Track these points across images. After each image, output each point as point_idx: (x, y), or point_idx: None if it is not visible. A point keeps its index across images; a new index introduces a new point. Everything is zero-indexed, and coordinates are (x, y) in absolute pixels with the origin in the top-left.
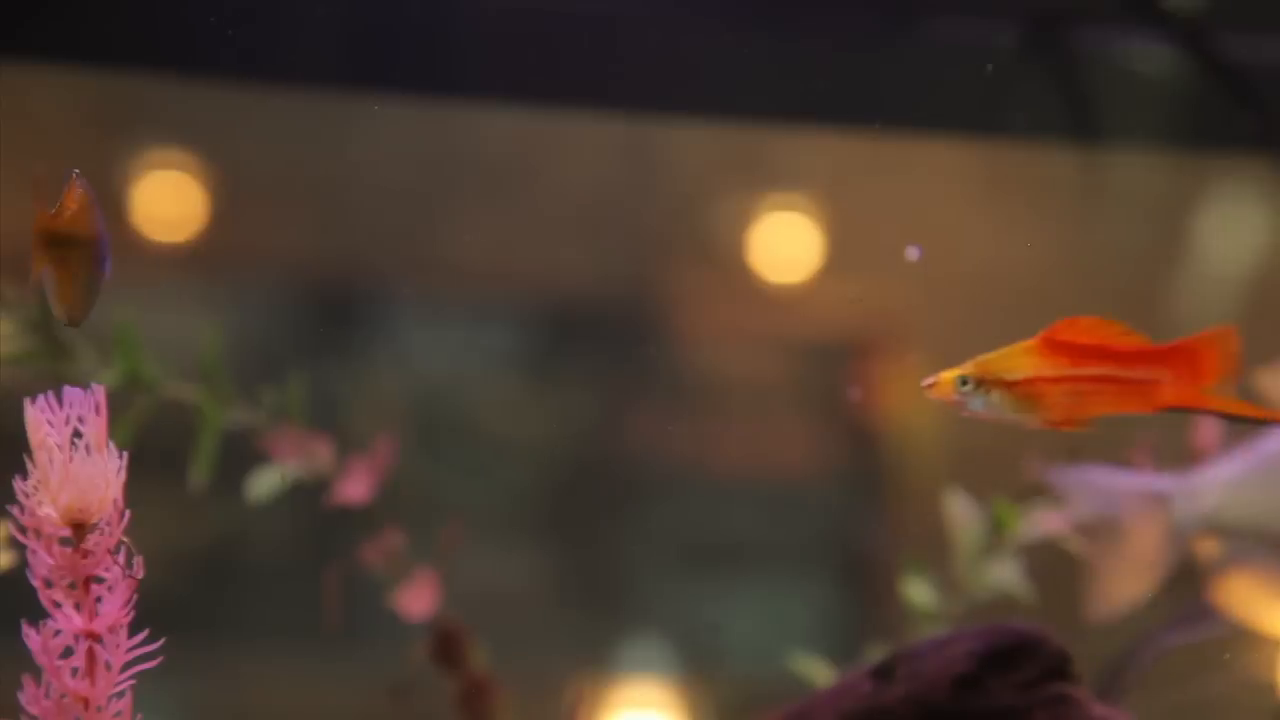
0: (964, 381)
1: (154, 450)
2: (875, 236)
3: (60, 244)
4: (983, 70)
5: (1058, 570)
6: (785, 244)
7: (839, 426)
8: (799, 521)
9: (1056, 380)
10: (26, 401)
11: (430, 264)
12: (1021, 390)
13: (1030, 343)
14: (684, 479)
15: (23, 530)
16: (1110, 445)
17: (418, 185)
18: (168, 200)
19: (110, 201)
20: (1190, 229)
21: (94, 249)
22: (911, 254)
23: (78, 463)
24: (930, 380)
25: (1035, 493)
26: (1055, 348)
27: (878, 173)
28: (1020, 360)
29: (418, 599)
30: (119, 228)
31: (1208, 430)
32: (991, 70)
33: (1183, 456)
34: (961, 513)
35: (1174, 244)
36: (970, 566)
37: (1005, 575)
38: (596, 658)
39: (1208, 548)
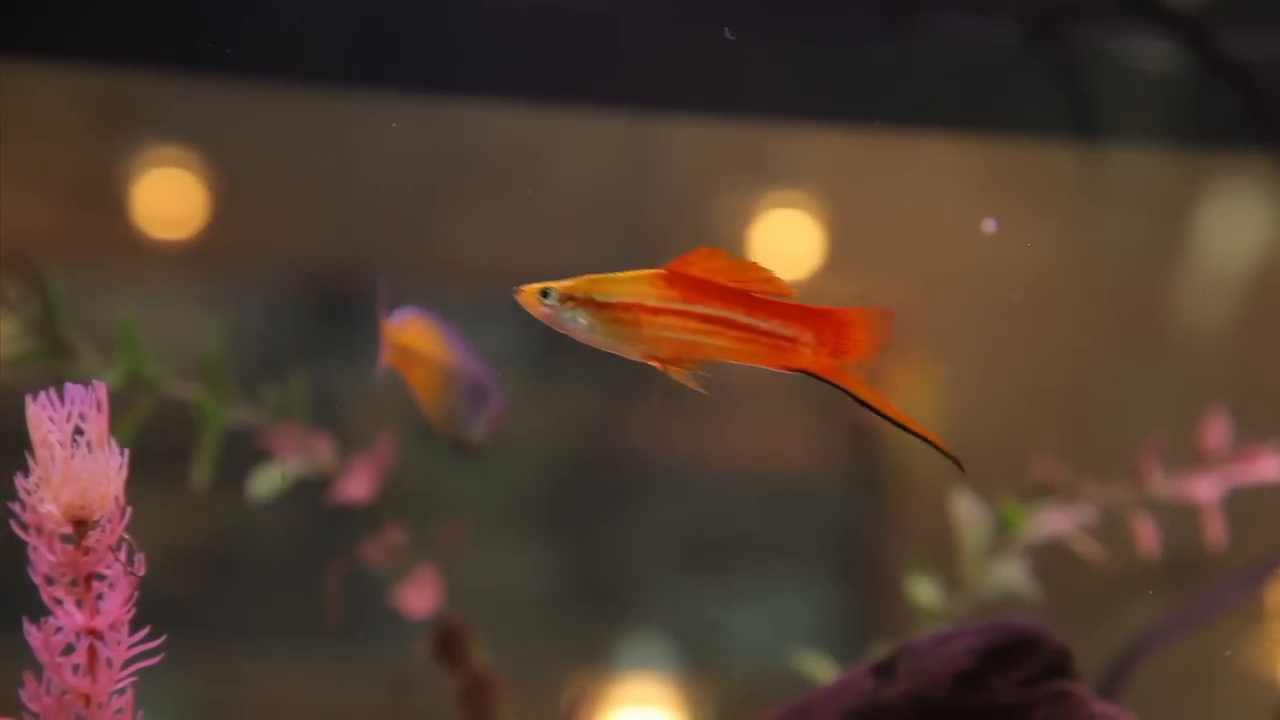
0: (546, 294)
1: (156, 448)
2: (875, 234)
3: (404, 355)
4: (983, 68)
5: (1063, 569)
6: (785, 241)
7: (840, 424)
8: (800, 519)
9: (658, 311)
10: (28, 398)
11: (431, 261)
12: (615, 315)
13: (651, 270)
14: (685, 476)
15: (24, 527)
16: (1116, 447)
17: (419, 183)
18: (170, 198)
19: (112, 199)
20: (1190, 226)
21: (441, 368)
22: (988, 226)
23: (79, 460)
24: (520, 289)
25: (1041, 492)
26: (673, 280)
27: (878, 171)
28: (624, 285)
29: (419, 596)
30: (121, 225)
31: (1216, 432)
32: (992, 68)
33: (1190, 458)
34: (967, 511)
35: (1174, 241)
36: (976, 565)
37: (1011, 574)
38: (597, 655)
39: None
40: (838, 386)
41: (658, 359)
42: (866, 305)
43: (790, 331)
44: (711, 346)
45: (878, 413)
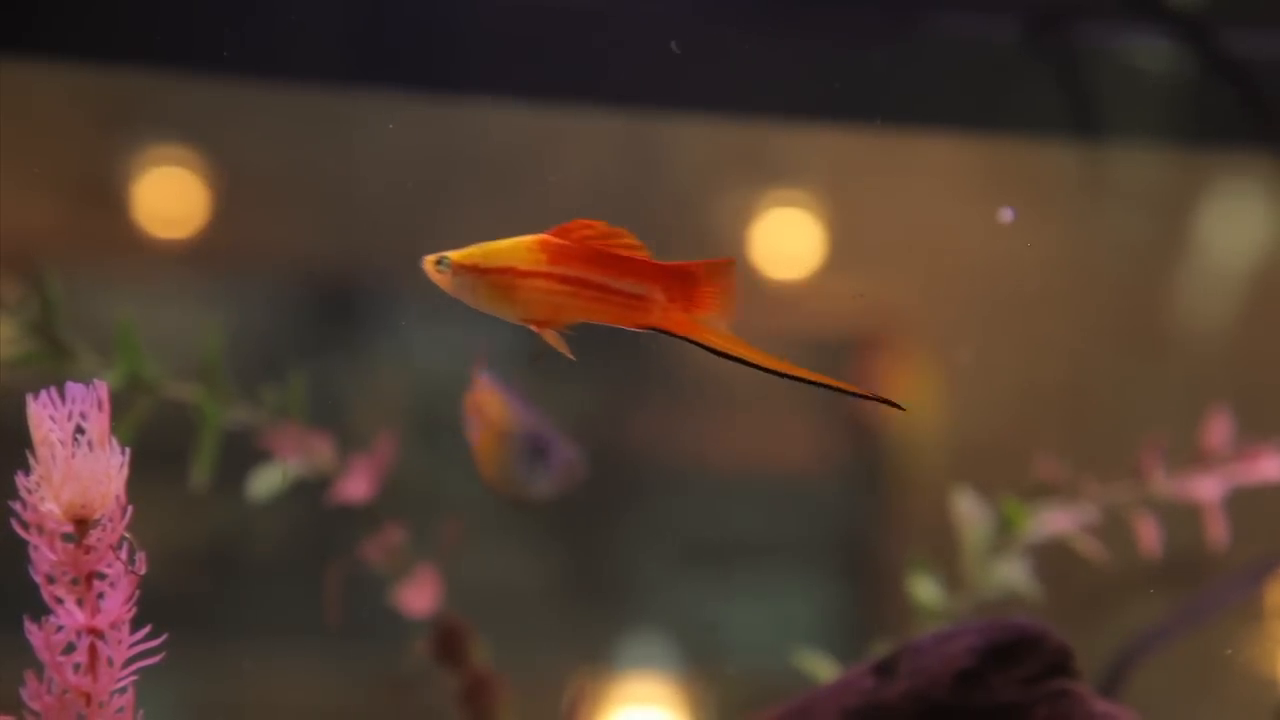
0: (440, 261)
1: (156, 448)
2: (876, 232)
3: (478, 418)
4: (984, 67)
5: (1064, 568)
6: (786, 240)
7: (841, 422)
8: (801, 517)
9: (529, 274)
10: (29, 397)
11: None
12: (492, 279)
13: (529, 237)
14: (685, 475)
15: (25, 526)
16: (1118, 446)
17: (420, 182)
18: (170, 197)
19: (113, 198)
20: (1192, 225)
21: (498, 428)
22: (1005, 215)
23: (80, 459)
24: (424, 258)
25: (1043, 491)
26: (545, 245)
27: (879, 169)
28: (503, 251)
29: (419, 596)
30: (121, 224)
31: (1218, 431)
32: (992, 67)
33: (1192, 458)
34: (968, 510)
35: (1175, 240)
36: (977, 564)
37: (1012, 573)
38: (598, 654)
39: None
40: (688, 339)
41: (532, 321)
42: (717, 259)
43: (641, 289)
44: (575, 308)
45: (733, 359)
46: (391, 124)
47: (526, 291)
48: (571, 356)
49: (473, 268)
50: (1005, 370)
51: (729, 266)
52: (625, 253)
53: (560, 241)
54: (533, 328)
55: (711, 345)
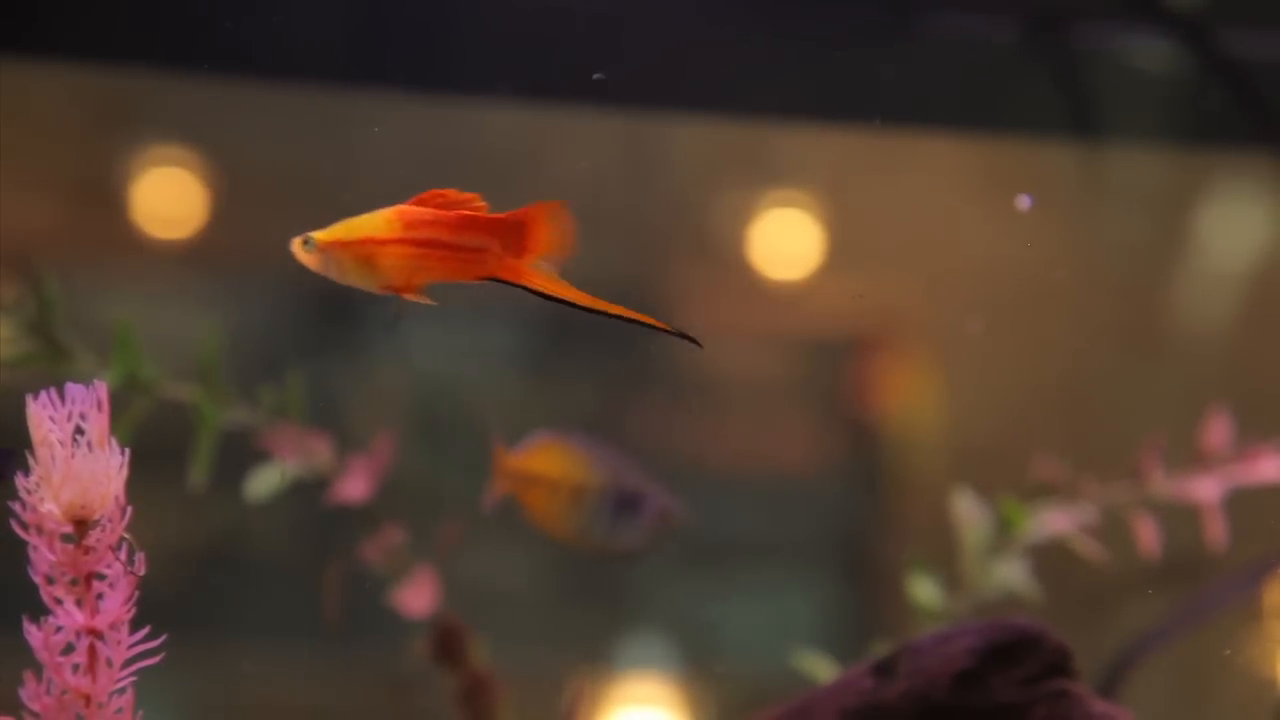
0: (306, 241)
1: (155, 449)
2: (875, 233)
3: (524, 482)
4: (983, 67)
5: (1063, 568)
6: (785, 240)
7: (839, 423)
8: (800, 518)
9: (385, 242)
10: (29, 398)
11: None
12: (354, 252)
13: (387, 209)
14: (684, 476)
15: (25, 526)
16: (1117, 446)
17: (418, 182)
18: (169, 197)
19: (112, 199)
20: (1190, 225)
21: (570, 487)
22: (1023, 203)
23: (80, 459)
24: (291, 241)
25: (1042, 491)
26: (399, 214)
27: (878, 169)
28: (363, 224)
29: (418, 596)
30: (121, 225)
31: (1218, 431)
32: (992, 68)
33: (1191, 458)
34: (967, 511)
35: (1174, 240)
36: (977, 565)
37: (1011, 574)
38: (597, 654)
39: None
40: (521, 286)
41: (392, 288)
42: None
43: (480, 242)
44: (426, 269)
45: (564, 302)
46: (384, 125)
47: (384, 259)
48: (431, 301)
49: (336, 243)
50: (1004, 370)
51: (558, 210)
52: (468, 212)
53: (412, 208)
54: (394, 294)
55: (538, 288)
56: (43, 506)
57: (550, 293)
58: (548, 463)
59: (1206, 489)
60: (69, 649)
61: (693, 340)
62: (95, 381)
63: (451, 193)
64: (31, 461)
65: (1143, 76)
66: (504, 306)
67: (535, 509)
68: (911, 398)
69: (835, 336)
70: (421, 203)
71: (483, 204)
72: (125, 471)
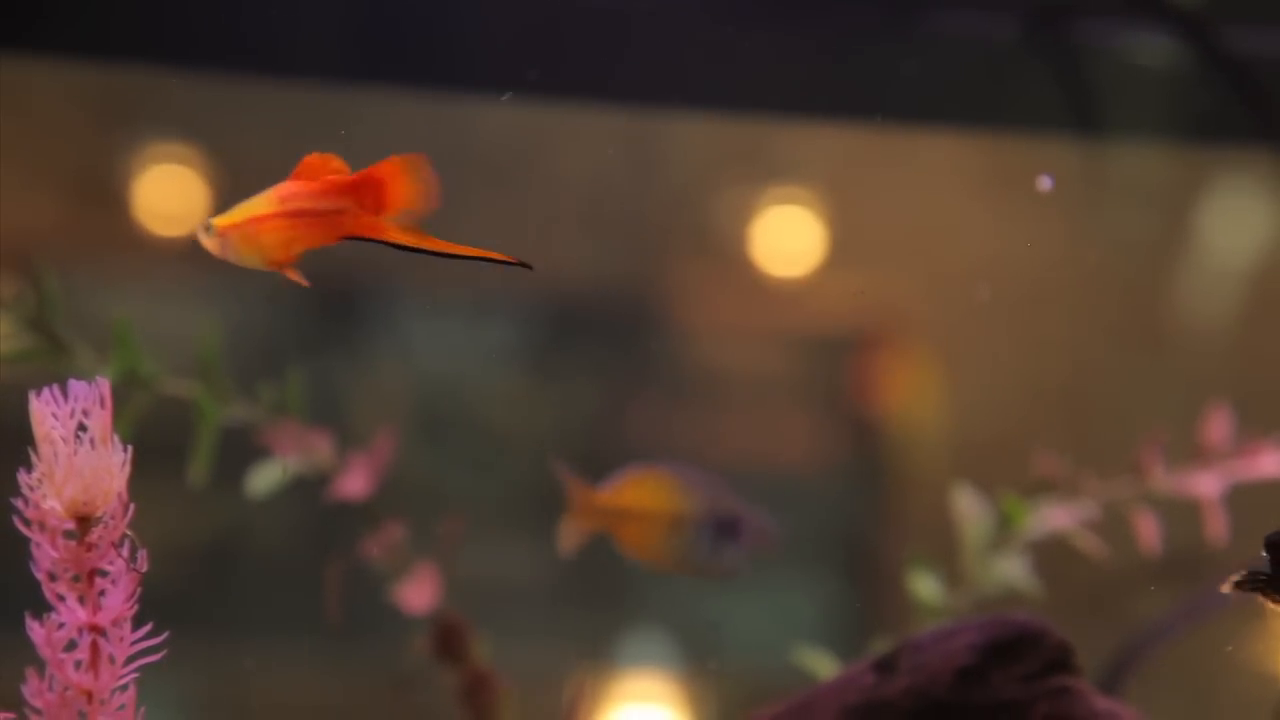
0: (205, 227)
1: (155, 445)
2: (877, 230)
3: (614, 517)
4: (985, 64)
5: (1064, 564)
6: (786, 237)
7: (841, 419)
8: (801, 515)
9: (265, 219)
10: (31, 394)
11: (432, 258)
12: (241, 231)
13: (273, 187)
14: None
15: (27, 523)
16: (1118, 443)
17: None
18: (171, 194)
19: (113, 196)
20: (1193, 222)
21: (666, 518)
22: (1044, 183)
23: (82, 456)
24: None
25: (1043, 487)
26: (277, 189)
27: (880, 166)
28: (250, 204)
29: (419, 593)
30: (122, 222)
31: (1219, 426)
32: (993, 64)
33: (1192, 453)
34: (968, 507)
35: (1177, 237)
36: (977, 561)
37: (1012, 570)
38: (598, 651)
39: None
40: (378, 241)
41: (274, 264)
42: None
43: (337, 205)
44: (298, 239)
45: (421, 251)
46: (384, 121)
47: (265, 235)
48: (306, 284)
49: (230, 226)
50: (1006, 367)
51: (415, 163)
52: (328, 177)
53: (287, 183)
54: (278, 269)
55: (395, 241)
56: (45, 503)
57: (406, 244)
58: (641, 496)
59: (1207, 484)
60: (71, 645)
61: (525, 265)
62: (97, 378)
63: (314, 157)
64: (34, 458)
65: (1145, 73)
66: (505, 301)
67: (630, 543)
68: (913, 395)
69: (837, 333)
70: (296, 175)
71: (342, 165)
72: (128, 468)
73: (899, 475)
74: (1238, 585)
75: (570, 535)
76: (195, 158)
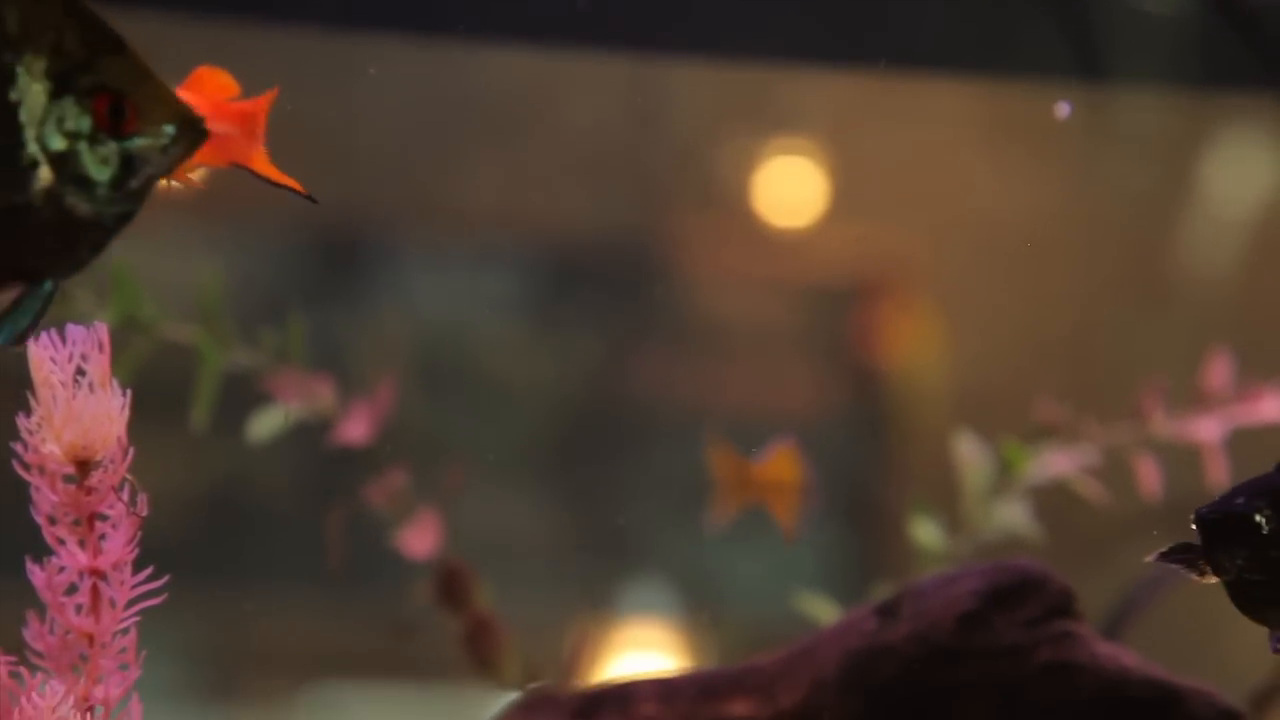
0: None
1: (156, 392)
2: (880, 180)
3: (771, 489)
4: (988, 12)
5: (1065, 510)
6: (789, 187)
7: (843, 369)
8: (804, 463)
9: None
10: (29, 339)
11: (434, 208)
12: None
13: None
14: (688, 422)
15: (26, 467)
16: (1119, 391)
17: (422, 129)
18: None
19: None
20: (1196, 170)
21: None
22: (1062, 109)
23: (81, 400)
24: None
25: (1043, 433)
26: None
27: (883, 116)
28: None
29: (421, 539)
30: None
31: (1219, 372)
32: (996, 12)
33: (1193, 399)
34: (969, 453)
35: (1180, 186)
36: (978, 507)
37: (1013, 516)
38: (600, 599)
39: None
40: (254, 173)
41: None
42: None
43: (223, 128)
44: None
45: (282, 187)
46: (386, 69)
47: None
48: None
49: None
50: (1008, 316)
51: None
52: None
53: (190, 96)
54: (182, 182)
55: (263, 175)
56: (44, 447)
57: (274, 180)
58: (793, 468)
59: (1208, 429)
60: (72, 590)
61: (310, 199)
62: (96, 323)
63: (204, 70)
64: (33, 402)
65: (1149, 21)
66: (508, 252)
67: (786, 515)
68: (915, 344)
69: (839, 283)
70: (186, 86)
71: (230, 81)
72: (127, 413)
73: (900, 424)
74: (1163, 556)
75: (723, 510)
76: None
